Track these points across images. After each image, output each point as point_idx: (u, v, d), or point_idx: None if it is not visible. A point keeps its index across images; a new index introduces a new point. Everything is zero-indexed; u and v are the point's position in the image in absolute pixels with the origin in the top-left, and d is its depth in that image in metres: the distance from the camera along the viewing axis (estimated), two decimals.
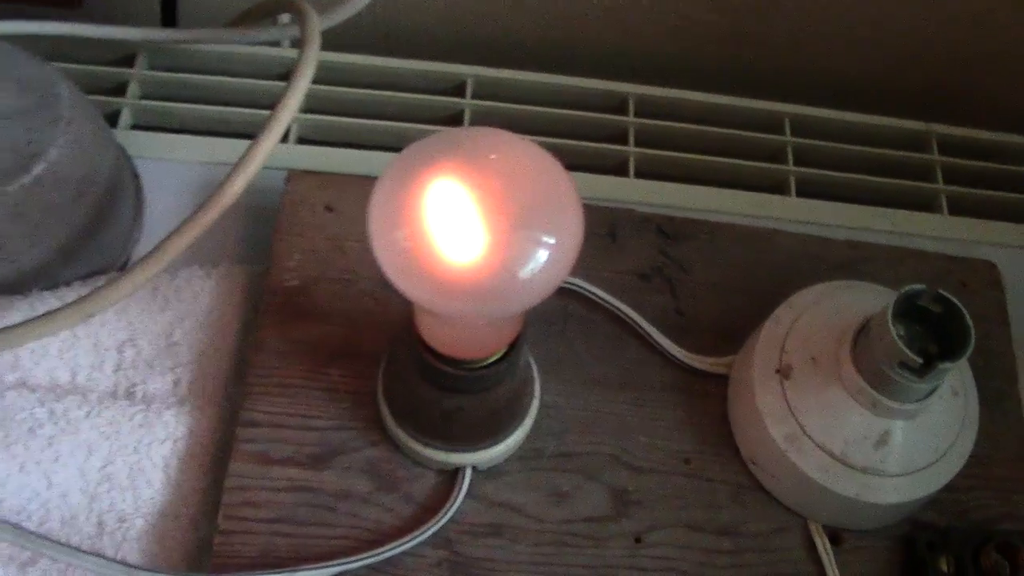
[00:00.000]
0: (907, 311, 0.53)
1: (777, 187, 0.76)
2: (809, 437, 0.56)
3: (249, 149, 0.54)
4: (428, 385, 0.52)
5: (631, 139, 0.76)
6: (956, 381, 0.58)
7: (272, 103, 0.56)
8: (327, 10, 0.68)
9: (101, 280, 0.62)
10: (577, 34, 0.84)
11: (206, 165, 0.70)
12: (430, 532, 0.55)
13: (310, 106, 0.74)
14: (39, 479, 0.56)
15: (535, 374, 0.59)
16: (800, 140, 0.77)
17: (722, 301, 0.65)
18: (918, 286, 0.53)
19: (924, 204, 0.77)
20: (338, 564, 0.54)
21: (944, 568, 0.57)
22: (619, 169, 0.75)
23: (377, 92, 0.76)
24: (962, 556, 0.57)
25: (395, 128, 0.74)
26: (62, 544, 0.54)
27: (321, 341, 0.60)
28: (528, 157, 0.43)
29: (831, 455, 0.56)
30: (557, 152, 0.44)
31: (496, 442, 0.56)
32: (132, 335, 0.61)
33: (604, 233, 0.67)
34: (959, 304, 0.52)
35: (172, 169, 0.70)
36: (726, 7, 0.81)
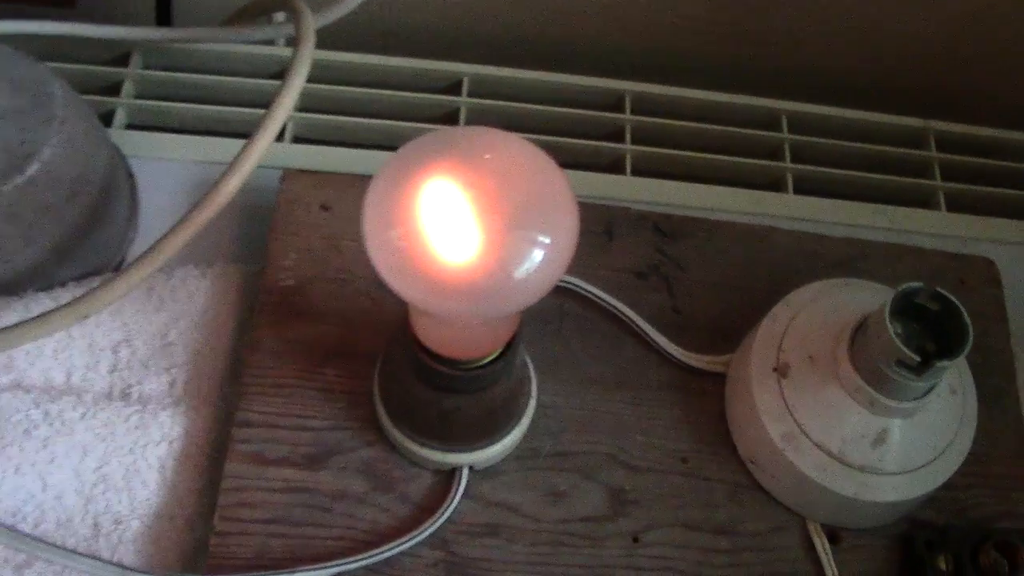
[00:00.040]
0: (905, 309, 0.53)
1: (774, 184, 0.76)
2: (807, 436, 0.56)
3: (244, 148, 0.54)
4: (424, 385, 0.52)
5: (627, 137, 0.76)
6: (954, 379, 0.58)
7: (267, 102, 0.55)
8: (322, 8, 0.68)
9: (96, 280, 0.62)
10: (574, 31, 0.84)
11: (201, 164, 0.70)
12: (427, 532, 0.55)
13: (305, 105, 0.74)
14: (34, 481, 0.56)
15: (531, 373, 0.59)
16: (797, 137, 0.77)
17: (719, 299, 0.65)
18: (916, 284, 0.53)
19: (922, 201, 0.77)
20: (335, 565, 0.54)
21: (943, 567, 0.57)
22: (615, 167, 0.75)
23: (372, 90, 0.75)
24: (960, 554, 0.57)
25: (391, 127, 0.74)
26: (57, 547, 0.54)
27: (317, 341, 0.60)
28: (523, 156, 0.43)
29: (829, 454, 0.56)
30: (553, 150, 0.44)
31: (493, 442, 0.56)
32: (127, 335, 0.61)
33: (601, 231, 0.66)
34: (957, 302, 0.52)
35: (167, 168, 0.70)
36: (724, 4, 0.81)
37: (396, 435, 0.56)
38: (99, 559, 0.54)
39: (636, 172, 0.74)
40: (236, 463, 0.56)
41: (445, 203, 0.42)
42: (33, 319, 0.53)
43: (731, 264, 0.67)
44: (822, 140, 0.78)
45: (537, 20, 0.83)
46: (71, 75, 0.70)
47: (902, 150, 0.78)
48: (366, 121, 0.74)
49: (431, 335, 0.49)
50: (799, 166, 0.76)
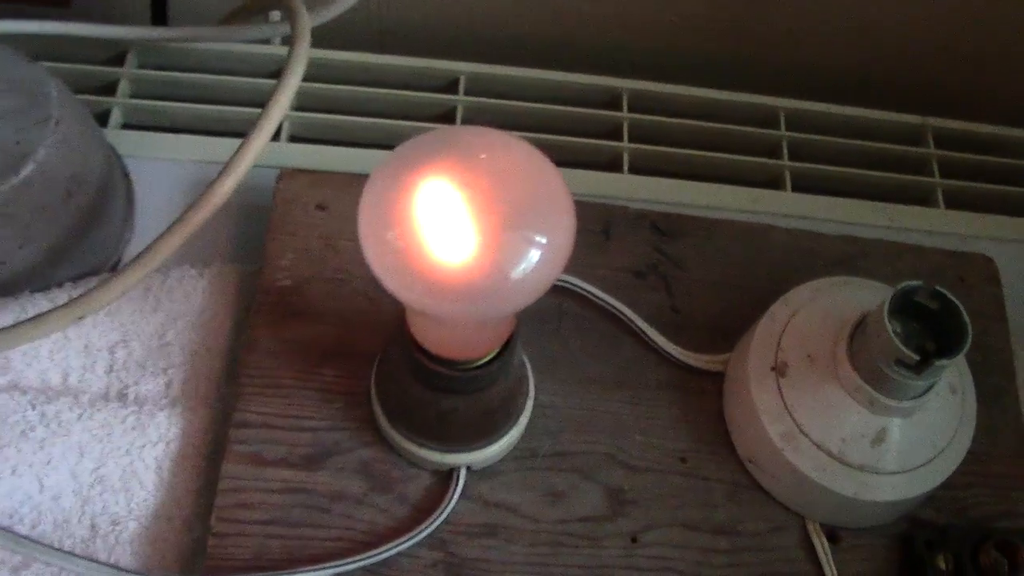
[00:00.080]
0: (904, 308, 0.53)
1: (772, 182, 0.76)
2: (806, 435, 0.56)
3: (240, 147, 0.54)
4: (421, 386, 0.52)
5: (625, 135, 0.76)
6: (954, 378, 0.58)
7: (263, 101, 0.55)
8: (317, 7, 0.67)
9: (92, 281, 0.62)
10: (571, 29, 0.84)
11: (197, 164, 0.70)
12: (425, 533, 0.55)
13: (301, 104, 0.74)
14: (31, 482, 0.56)
15: (529, 373, 0.59)
16: (795, 135, 0.77)
17: (717, 298, 0.65)
18: (915, 282, 0.53)
19: (921, 198, 0.77)
20: (332, 566, 0.54)
21: (942, 566, 0.57)
22: (613, 165, 0.75)
23: (369, 89, 0.75)
24: (960, 554, 0.57)
25: (387, 125, 0.74)
26: (54, 548, 0.54)
27: (314, 341, 0.60)
28: (519, 156, 0.43)
29: (828, 453, 0.56)
30: (551, 148, 0.44)
31: (491, 442, 0.56)
32: (124, 336, 0.61)
33: (598, 230, 0.66)
34: (956, 301, 0.52)
35: (163, 168, 0.69)
36: (721, 1, 0.81)
37: (394, 435, 0.56)
38: (96, 561, 0.54)
39: (634, 170, 0.74)
40: (233, 464, 0.56)
41: (441, 203, 0.42)
42: (29, 320, 0.53)
43: (729, 263, 0.66)
44: (820, 137, 0.77)
45: (534, 18, 0.83)
46: (67, 75, 0.70)
47: (900, 147, 0.78)
48: (363, 120, 0.74)
49: (428, 335, 0.49)
50: (797, 164, 0.76)
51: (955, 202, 0.76)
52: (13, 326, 0.52)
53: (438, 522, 0.56)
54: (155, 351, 0.61)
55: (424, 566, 0.55)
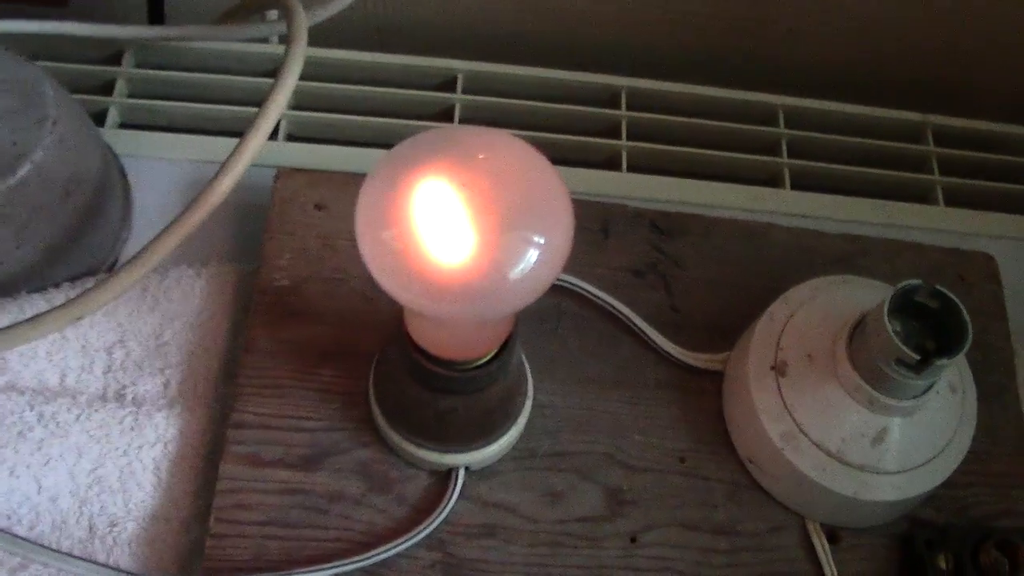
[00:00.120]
0: (903, 307, 0.53)
1: (771, 180, 0.76)
2: (806, 435, 0.56)
3: (238, 147, 0.54)
4: (419, 386, 0.51)
5: (623, 133, 0.75)
6: (954, 377, 0.57)
7: (261, 100, 0.55)
8: (314, 5, 0.67)
9: (90, 281, 0.62)
10: (569, 27, 0.84)
11: (195, 163, 0.70)
12: (423, 534, 0.55)
13: (299, 103, 0.74)
14: (29, 483, 0.56)
15: (528, 373, 0.58)
16: (794, 132, 0.77)
17: (717, 297, 0.65)
18: (915, 281, 0.52)
19: (920, 196, 0.77)
20: (331, 567, 0.54)
21: (943, 566, 0.57)
22: (612, 163, 0.75)
23: (367, 88, 0.75)
24: (961, 553, 0.57)
25: (385, 124, 0.73)
26: (52, 549, 0.54)
27: (312, 341, 0.60)
28: (517, 156, 0.43)
29: (828, 453, 0.55)
30: (549, 146, 0.44)
31: (489, 442, 0.56)
32: (122, 336, 0.61)
33: (597, 229, 0.66)
34: (956, 300, 0.52)
35: (160, 168, 0.69)
36: None
37: (392, 436, 0.56)
38: (94, 562, 0.54)
39: (632, 168, 0.74)
40: (231, 464, 0.56)
41: (439, 203, 0.41)
42: (27, 320, 0.52)
43: (728, 261, 0.66)
44: (819, 135, 0.77)
45: (532, 16, 0.83)
46: (63, 74, 0.70)
47: (900, 145, 0.78)
48: (360, 119, 0.74)
49: (426, 336, 0.49)
50: (796, 161, 0.76)
51: (955, 199, 0.76)
52: (10, 327, 0.52)
53: (437, 523, 0.55)
54: (153, 351, 0.61)
55: (423, 567, 0.55)
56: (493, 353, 0.50)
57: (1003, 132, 0.80)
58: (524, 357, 0.58)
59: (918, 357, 0.51)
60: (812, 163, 0.76)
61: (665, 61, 0.85)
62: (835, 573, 0.57)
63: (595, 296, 0.63)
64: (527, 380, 0.58)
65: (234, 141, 0.54)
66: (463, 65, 0.77)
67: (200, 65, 0.75)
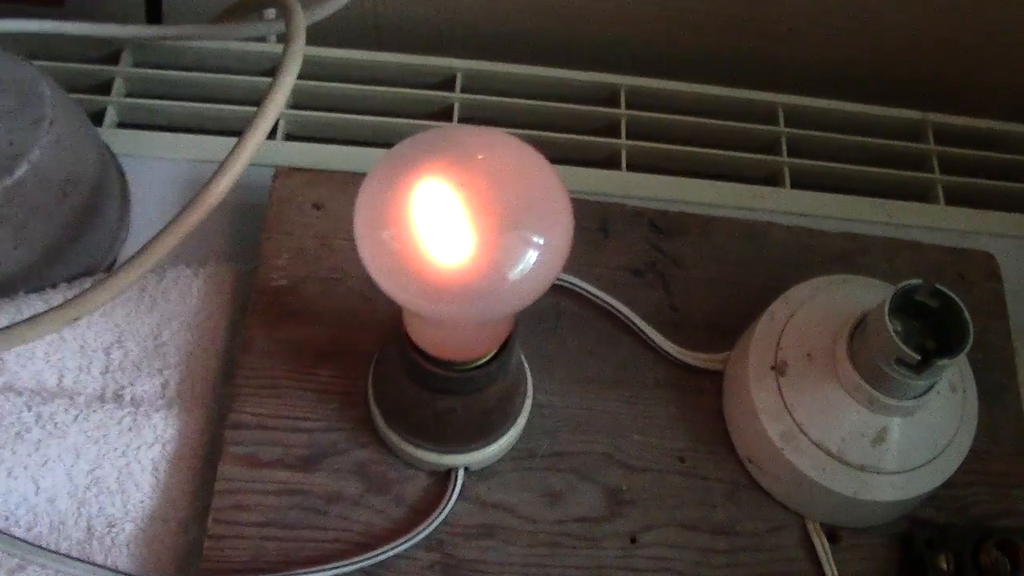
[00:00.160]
0: (904, 306, 0.53)
1: (771, 179, 0.76)
2: (805, 435, 0.56)
3: (236, 146, 0.54)
4: (418, 387, 0.51)
5: (623, 131, 0.75)
6: (955, 376, 0.57)
7: (259, 99, 0.55)
8: (313, 4, 0.67)
9: (88, 282, 0.61)
10: (568, 26, 0.84)
11: (193, 163, 0.69)
12: (422, 534, 0.55)
13: (297, 102, 0.74)
14: (27, 484, 0.56)
15: (527, 373, 0.58)
16: (794, 131, 0.77)
17: (716, 296, 0.65)
18: (915, 281, 0.52)
19: (920, 194, 0.76)
20: (330, 568, 0.54)
21: (943, 566, 0.57)
22: (611, 162, 0.74)
23: (365, 87, 0.75)
24: (961, 553, 0.57)
25: (384, 123, 0.73)
26: (51, 551, 0.54)
27: (310, 341, 0.60)
28: (516, 156, 0.43)
29: (828, 453, 0.55)
30: (548, 145, 0.44)
31: (488, 443, 0.56)
32: (119, 337, 0.61)
33: (596, 228, 0.66)
34: (957, 299, 0.52)
35: (158, 167, 0.69)
36: None
37: (391, 436, 0.56)
38: (93, 563, 0.54)
39: (631, 167, 0.74)
40: (229, 465, 0.56)
41: (438, 204, 0.41)
42: (24, 321, 0.52)
43: (728, 260, 0.66)
44: (819, 133, 0.77)
45: (531, 14, 0.83)
46: (60, 74, 0.70)
47: (900, 143, 0.78)
48: (359, 118, 0.73)
49: (425, 336, 0.49)
50: (796, 160, 0.76)
51: (955, 198, 0.76)
52: (8, 327, 0.52)
53: (436, 523, 0.55)
54: (151, 352, 0.61)
55: (421, 567, 0.55)
56: (492, 353, 0.50)
57: (1003, 130, 0.80)
58: (523, 357, 0.58)
59: (919, 357, 0.51)
60: (812, 162, 0.76)
61: (664, 59, 0.85)
62: (835, 573, 0.57)
63: (594, 295, 0.63)
64: (526, 380, 0.58)
65: (232, 140, 0.54)
66: (462, 64, 0.76)
67: (198, 64, 0.74)
